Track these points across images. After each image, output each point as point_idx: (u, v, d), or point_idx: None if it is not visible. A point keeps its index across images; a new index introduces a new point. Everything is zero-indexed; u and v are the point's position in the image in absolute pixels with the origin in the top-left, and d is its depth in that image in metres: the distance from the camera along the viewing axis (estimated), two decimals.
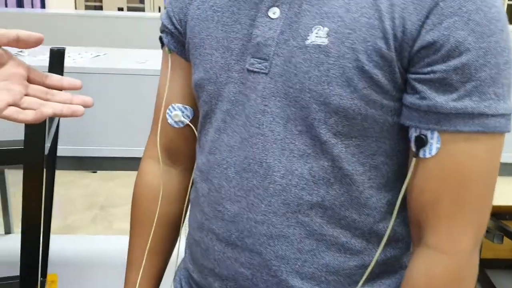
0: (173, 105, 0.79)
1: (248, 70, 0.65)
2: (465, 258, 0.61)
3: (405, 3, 0.56)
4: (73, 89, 0.63)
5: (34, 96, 0.59)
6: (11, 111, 0.56)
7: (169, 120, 0.79)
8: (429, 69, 0.56)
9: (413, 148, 0.60)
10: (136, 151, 1.49)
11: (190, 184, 0.83)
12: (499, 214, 1.72)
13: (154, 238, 0.82)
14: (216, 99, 0.68)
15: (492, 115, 0.56)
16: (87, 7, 4.57)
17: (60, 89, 0.62)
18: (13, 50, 1.56)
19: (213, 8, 0.69)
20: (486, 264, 1.73)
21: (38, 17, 3.11)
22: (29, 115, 0.57)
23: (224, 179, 0.67)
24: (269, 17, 0.63)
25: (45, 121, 0.88)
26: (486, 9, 0.55)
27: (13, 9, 3.68)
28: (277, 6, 0.63)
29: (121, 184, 3.24)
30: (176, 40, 0.76)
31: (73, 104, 0.60)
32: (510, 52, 0.58)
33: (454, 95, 0.56)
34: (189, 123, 0.78)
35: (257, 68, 0.64)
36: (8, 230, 2.11)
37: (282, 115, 0.62)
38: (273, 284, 0.65)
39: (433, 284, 0.61)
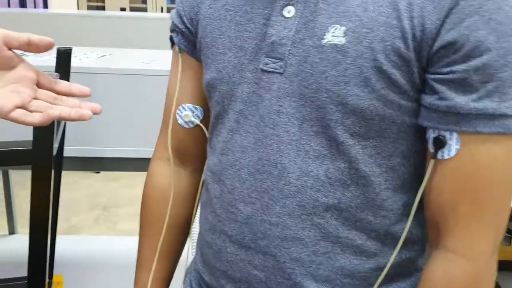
0: (183, 105, 0.78)
1: (262, 70, 0.64)
2: (484, 261, 0.60)
3: (424, 2, 0.56)
4: (82, 96, 0.63)
5: (42, 100, 0.59)
6: (19, 113, 0.56)
7: (179, 121, 0.78)
8: (448, 69, 0.56)
9: (431, 149, 0.59)
10: (140, 152, 1.48)
11: (200, 185, 0.82)
12: None
13: (163, 239, 0.81)
14: (229, 99, 0.67)
15: None
16: (90, 7, 4.57)
17: (68, 95, 0.62)
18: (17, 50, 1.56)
19: (225, 7, 0.68)
20: None
21: (41, 17, 3.10)
22: (36, 118, 0.56)
23: (237, 180, 0.66)
24: (284, 16, 0.63)
25: (53, 122, 0.87)
26: (507, 8, 0.54)
27: (15, 9, 3.68)
28: (292, 5, 0.62)
29: (125, 185, 3.24)
30: (187, 39, 0.75)
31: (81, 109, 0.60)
32: None
33: (474, 96, 0.55)
34: (200, 123, 0.78)
35: (271, 67, 0.63)
36: (12, 231, 2.10)
37: (298, 116, 0.61)
38: (287, 287, 0.64)
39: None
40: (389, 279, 0.66)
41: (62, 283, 1.48)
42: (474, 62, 0.54)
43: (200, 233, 0.76)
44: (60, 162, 1.30)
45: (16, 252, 1.81)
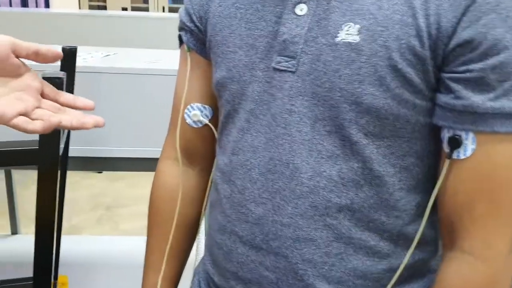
0: (191, 104, 0.77)
1: (274, 69, 0.63)
2: (501, 262, 0.59)
3: (440, 0, 0.55)
4: (86, 109, 0.63)
5: (45, 109, 0.59)
6: (21, 120, 0.56)
7: (188, 120, 0.77)
8: (465, 67, 0.55)
9: (446, 149, 0.59)
10: (144, 152, 1.48)
11: (209, 185, 0.81)
12: None
13: (172, 240, 0.80)
14: (240, 98, 0.67)
15: None
16: (91, 7, 4.56)
17: (72, 107, 0.62)
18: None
19: (235, 5, 0.67)
20: None
21: (42, 16, 3.09)
22: (37, 125, 0.56)
23: (248, 180, 0.65)
24: (296, 14, 0.62)
25: None
26: None
27: (17, 9, 3.67)
28: (304, 3, 0.61)
29: (127, 185, 3.23)
30: (196, 38, 0.74)
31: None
32: None
33: (491, 95, 0.54)
34: (208, 123, 0.77)
35: (283, 66, 0.62)
36: (15, 231, 2.10)
37: (310, 115, 0.61)
38: None
39: None
40: (402, 280, 0.65)
41: (67, 284, 1.47)
42: (491, 61, 0.53)
43: (209, 234, 0.75)
44: (65, 162, 1.29)
45: (19, 253, 1.80)
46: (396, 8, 0.57)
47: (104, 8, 4.56)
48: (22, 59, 0.59)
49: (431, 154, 0.63)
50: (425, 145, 0.62)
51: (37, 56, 0.59)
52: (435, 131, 0.61)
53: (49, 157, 0.87)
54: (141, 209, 3.18)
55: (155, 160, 1.50)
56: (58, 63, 1.20)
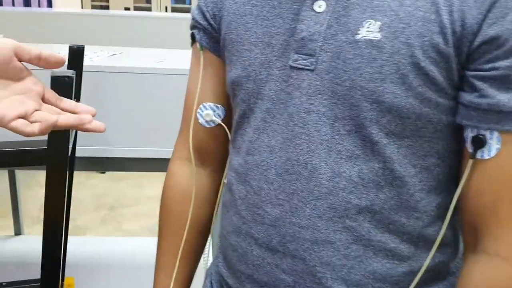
0: (204, 104, 0.75)
1: (291, 67, 0.61)
2: None
3: None
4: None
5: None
6: (20, 123, 0.55)
7: (200, 120, 0.76)
8: (490, 65, 0.53)
9: (470, 149, 0.57)
10: (150, 152, 1.46)
11: (222, 186, 0.80)
12: None
13: (184, 241, 0.79)
14: (255, 97, 0.65)
15: None
16: (94, 7, 4.54)
17: (73, 113, 0.61)
18: None
19: (251, 2, 0.66)
20: None
21: (45, 16, 3.08)
22: (35, 128, 0.56)
23: (264, 181, 0.64)
24: (315, 10, 0.60)
25: None
26: None
27: (20, 8, 3.66)
28: (323, 0, 0.60)
29: (130, 185, 3.22)
30: (209, 36, 0.73)
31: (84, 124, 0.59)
32: None
33: None
34: (221, 123, 0.75)
35: (301, 64, 0.61)
36: (18, 232, 2.08)
37: (329, 114, 0.59)
38: None
39: None
40: (421, 283, 0.63)
41: (73, 286, 1.46)
42: None
43: (222, 235, 0.74)
44: (72, 162, 1.28)
45: (23, 253, 1.79)
46: (419, 5, 0.55)
47: (107, 7, 4.54)
48: (25, 63, 0.59)
49: (452, 154, 0.61)
50: (446, 145, 0.60)
51: (40, 61, 0.59)
52: (457, 130, 0.59)
53: (58, 157, 0.86)
54: (144, 209, 3.17)
55: (160, 160, 1.49)
56: (67, 61, 1.19)
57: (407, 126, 0.57)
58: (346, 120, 0.59)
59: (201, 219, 0.81)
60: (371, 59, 0.56)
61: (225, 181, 0.77)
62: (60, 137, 0.85)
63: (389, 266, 0.62)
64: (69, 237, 1.46)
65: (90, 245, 1.77)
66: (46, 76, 0.75)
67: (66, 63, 1.15)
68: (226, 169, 0.78)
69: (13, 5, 3.81)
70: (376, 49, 0.56)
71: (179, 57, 1.51)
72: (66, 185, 0.91)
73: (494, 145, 0.55)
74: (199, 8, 0.73)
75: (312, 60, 0.60)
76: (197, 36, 0.74)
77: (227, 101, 0.74)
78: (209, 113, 0.75)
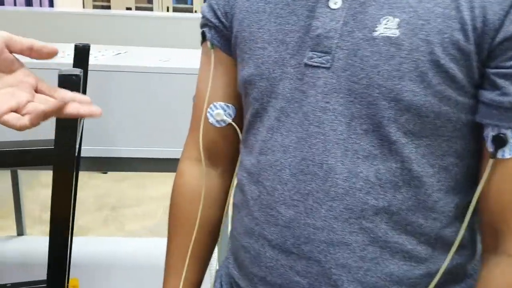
0: (214, 103, 0.74)
1: (306, 65, 0.60)
2: None
3: None
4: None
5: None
6: (11, 117, 0.53)
7: (210, 119, 0.74)
8: None
9: (490, 148, 0.56)
10: (155, 152, 1.45)
11: (232, 187, 0.78)
12: None
13: (193, 242, 0.77)
14: (269, 96, 0.64)
15: None
16: (95, 7, 4.53)
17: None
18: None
19: None
20: None
21: (47, 15, 3.07)
22: (26, 120, 0.53)
23: (277, 181, 0.63)
24: (330, 7, 0.59)
25: (76, 120, 0.83)
26: None
27: (21, 8, 3.65)
28: None
29: (132, 185, 3.21)
30: (220, 34, 0.72)
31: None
32: None
33: None
34: (232, 122, 0.74)
35: (317, 62, 0.59)
36: (21, 232, 2.07)
37: (346, 113, 0.58)
38: None
39: None
40: (438, 285, 0.62)
41: (78, 287, 1.45)
42: None
43: (233, 237, 0.72)
44: (78, 162, 1.26)
45: (26, 254, 1.78)
46: (438, 1, 0.54)
47: (108, 7, 4.53)
48: (17, 56, 0.57)
49: (471, 153, 0.60)
50: (465, 144, 0.59)
51: (32, 52, 0.57)
52: (476, 129, 0.58)
53: (65, 157, 0.84)
54: (146, 210, 3.16)
55: (165, 161, 1.48)
56: (71, 60, 1.18)
57: (426, 125, 0.56)
58: (363, 119, 0.57)
59: (211, 220, 0.79)
60: (389, 57, 0.55)
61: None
62: (67, 136, 0.84)
63: (406, 268, 0.60)
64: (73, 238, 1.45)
65: (93, 245, 1.76)
66: (53, 75, 0.74)
67: (72, 62, 1.14)
68: (237, 169, 0.77)
69: (15, 4, 3.80)
70: (394, 46, 0.55)
71: (184, 57, 1.50)
72: (73, 186, 0.90)
73: None
74: (210, 6, 0.72)
75: (328, 57, 0.59)
76: (208, 34, 0.73)
77: (237, 100, 0.73)
78: (220, 112, 0.74)
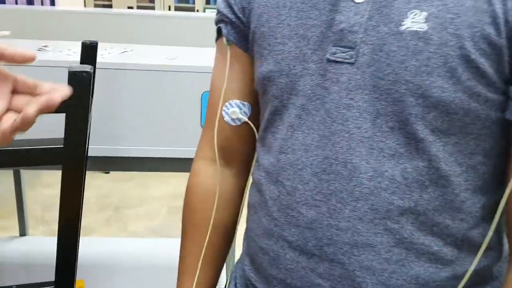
0: (230, 101, 0.72)
1: (329, 60, 0.58)
2: None
3: None
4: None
5: (16, 108, 0.55)
6: None
7: (226, 118, 0.72)
8: None
9: None
10: (162, 151, 1.43)
11: (248, 187, 0.76)
12: None
13: (208, 243, 0.75)
14: (289, 93, 0.62)
15: None
16: (96, 6, 4.51)
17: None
18: (37, 45, 1.50)
19: None
20: None
21: (48, 14, 3.04)
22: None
23: (298, 181, 0.61)
24: (354, 1, 0.57)
25: (86, 119, 0.81)
26: None
27: (23, 6, 3.62)
28: None
29: (135, 185, 3.19)
30: (237, 30, 0.70)
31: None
32: None
33: None
34: (248, 121, 0.72)
35: (340, 57, 0.57)
36: (23, 232, 2.05)
37: (371, 110, 0.56)
38: None
39: None
40: None
41: None
42: None
43: (250, 238, 0.70)
44: (86, 162, 1.24)
45: (29, 255, 1.76)
46: None
47: (110, 6, 4.51)
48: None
49: (498, 152, 0.58)
50: (493, 142, 0.57)
51: (3, 57, 0.54)
52: (505, 127, 0.56)
53: (75, 157, 0.83)
54: (149, 210, 3.14)
55: (172, 160, 1.46)
56: (76, 58, 1.16)
57: (454, 122, 0.54)
58: (388, 116, 0.56)
59: (225, 221, 0.77)
60: (417, 52, 0.53)
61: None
62: (77, 136, 0.82)
63: (432, 270, 0.58)
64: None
65: (97, 246, 1.74)
66: (63, 72, 0.72)
67: (77, 59, 1.12)
68: (252, 169, 0.75)
69: (16, 3, 3.78)
70: (422, 41, 0.53)
71: (191, 55, 1.48)
72: (83, 186, 0.88)
73: None
74: (226, 1, 0.70)
75: (352, 53, 0.57)
76: (224, 31, 0.71)
77: (253, 98, 0.71)
78: (235, 110, 0.72)
